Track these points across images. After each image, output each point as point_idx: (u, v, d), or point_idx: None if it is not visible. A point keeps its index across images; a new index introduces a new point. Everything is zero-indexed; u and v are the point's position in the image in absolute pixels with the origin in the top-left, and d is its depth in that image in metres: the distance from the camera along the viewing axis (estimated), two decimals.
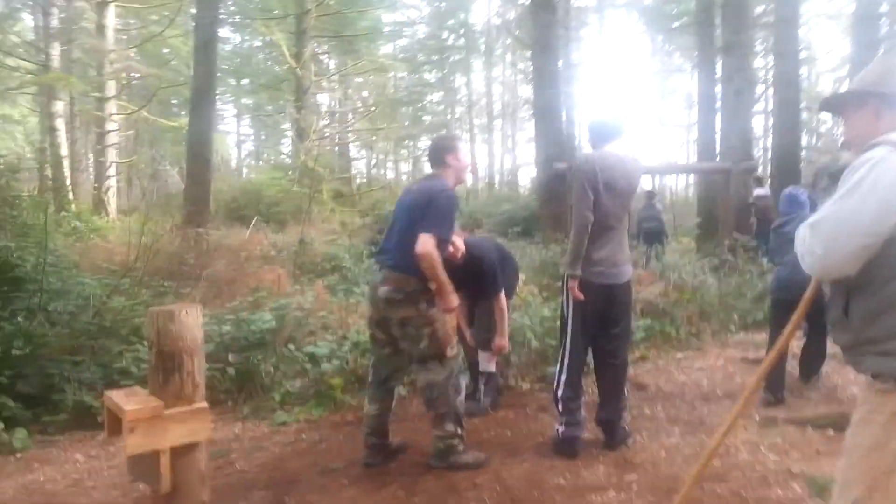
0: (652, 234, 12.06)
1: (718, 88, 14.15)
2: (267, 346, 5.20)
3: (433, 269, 3.18)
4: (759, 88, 19.97)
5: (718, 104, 13.77)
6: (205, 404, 3.04)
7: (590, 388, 4.16)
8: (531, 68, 13.41)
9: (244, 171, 33.29)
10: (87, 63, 19.09)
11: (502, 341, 4.20)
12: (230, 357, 4.95)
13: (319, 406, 4.54)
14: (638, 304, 6.14)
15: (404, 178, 34.80)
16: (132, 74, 19.50)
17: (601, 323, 3.56)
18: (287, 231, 13.82)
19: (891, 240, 1.55)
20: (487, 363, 4.39)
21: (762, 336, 6.07)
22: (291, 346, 5.09)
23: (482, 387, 4.39)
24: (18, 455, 4.01)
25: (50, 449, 4.15)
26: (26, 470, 3.78)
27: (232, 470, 3.60)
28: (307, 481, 3.36)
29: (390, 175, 36.17)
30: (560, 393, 3.59)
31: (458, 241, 3.95)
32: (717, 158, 12.79)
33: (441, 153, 3.53)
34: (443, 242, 3.29)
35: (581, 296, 3.47)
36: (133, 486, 3.40)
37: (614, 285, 3.52)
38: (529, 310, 5.45)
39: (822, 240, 1.60)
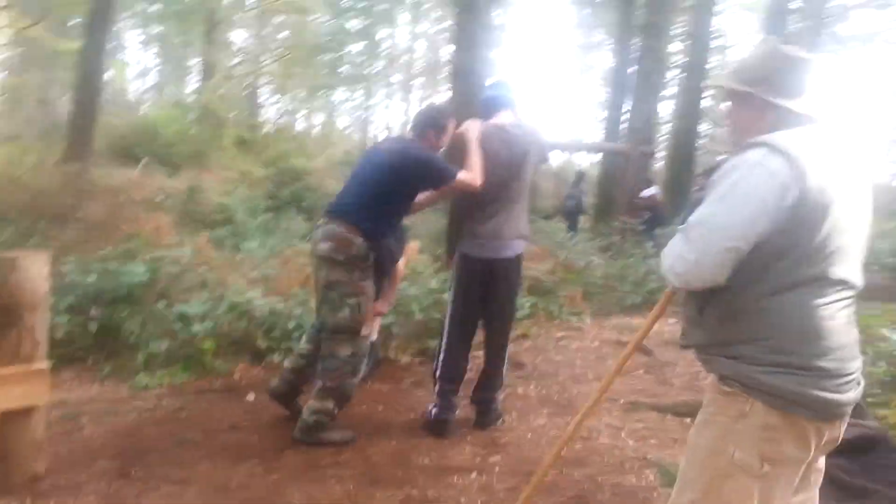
0: (570, 213, 12.64)
1: (632, 70, 14.46)
2: (136, 301, 4.89)
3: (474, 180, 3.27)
4: (674, 73, 20.56)
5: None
6: (44, 365, 2.79)
7: (472, 365, 4.15)
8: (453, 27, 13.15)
9: (143, 105, 31.20)
10: None
11: (383, 307, 4.12)
12: (93, 311, 4.61)
13: (186, 370, 4.30)
14: (525, 281, 6.21)
15: (316, 129, 33.72)
16: None
17: (482, 299, 3.51)
18: (181, 175, 13.07)
19: (755, 247, 1.53)
20: (369, 329, 4.30)
21: (639, 320, 6.32)
22: (163, 304, 4.80)
23: None
24: None
25: None
26: None
27: (79, 436, 3.35)
28: (160, 451, 3.17)
29: (301, 126, 34.93)
30: (437, 372, 3.55)
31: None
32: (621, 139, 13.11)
33: (425, 126, 3.40)
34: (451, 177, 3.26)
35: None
36: None
37: (496, 259, 3.43)
38: (418, 279, 5.38)
39: (694, 245, 1.56)
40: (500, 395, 3.72)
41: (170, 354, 4.41)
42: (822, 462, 1.74)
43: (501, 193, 3.40)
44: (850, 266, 1.60)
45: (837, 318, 1.57)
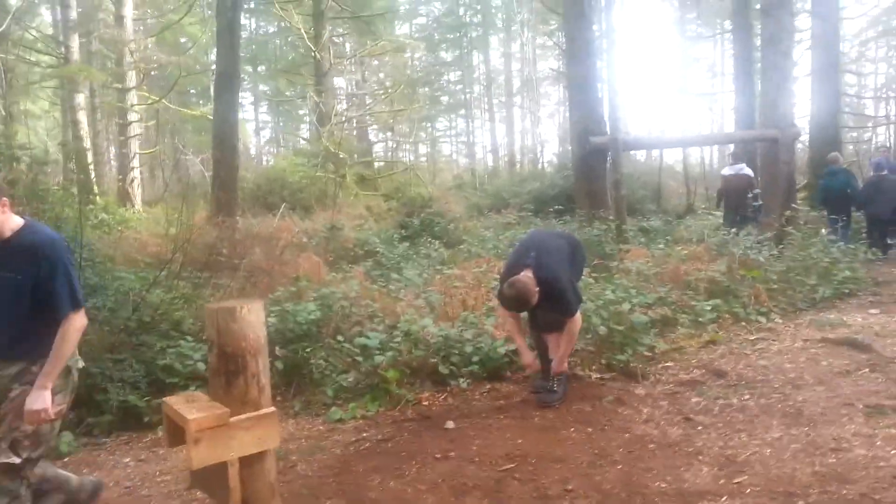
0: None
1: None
2: (313, 338, 4.95)
3: None
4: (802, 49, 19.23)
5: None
6: (272, 409, 2.78)
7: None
8: (563, 39, 12.98)
9: (264, 158, 33.11)
10: (106, 55, 18.93)
11: (562, 366, 4.05)
12: (277, 350, 4.70)
13: (375, 401, 4.26)
14: (701, 284, 5.80)
15: (423, 160, 34.37)
16: (152, 64, 19.23)
17: None
18: (314, 217, 13.56)
19: None
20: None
21: (833, 314, 5.70)
22: (340, 338, 4.83)
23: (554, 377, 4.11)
24: (66, 459, 3.79)
25: (97, 452, 3.94)
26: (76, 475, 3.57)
27: (293, 475, 3.35)
28: (380, 488, 3.09)
29: (409, 157, 35.76)
30: None
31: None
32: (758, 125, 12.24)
33: None
34: None
35: None
36: (190, 495, 3.17)
37: None
38: (589, 292, 5.11)
39: None
40: None
41: (356, 386, 4.40)
42: None
43: None
44: None
45: None
